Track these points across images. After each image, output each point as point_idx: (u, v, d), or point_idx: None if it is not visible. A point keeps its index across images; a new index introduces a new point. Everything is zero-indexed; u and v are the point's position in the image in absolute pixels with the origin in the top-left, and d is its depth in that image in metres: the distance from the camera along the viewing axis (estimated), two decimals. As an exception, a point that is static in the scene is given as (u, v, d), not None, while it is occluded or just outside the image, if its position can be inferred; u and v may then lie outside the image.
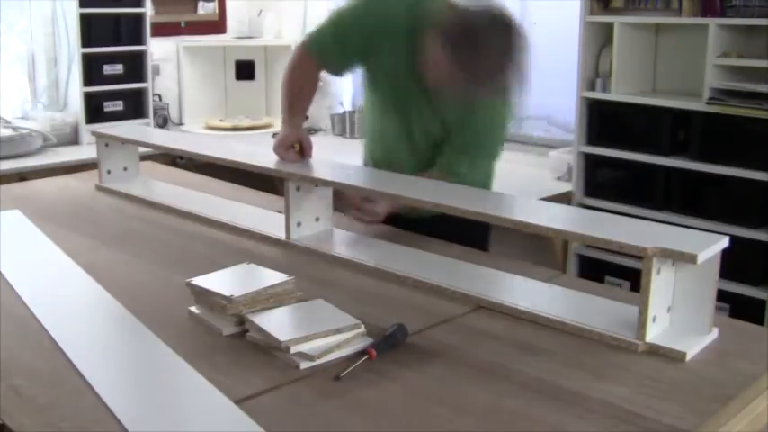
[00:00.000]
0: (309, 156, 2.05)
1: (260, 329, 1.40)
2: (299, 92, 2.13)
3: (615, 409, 1.21)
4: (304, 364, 1.33)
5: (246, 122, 4.60)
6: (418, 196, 1.73)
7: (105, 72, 3.99)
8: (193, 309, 1.55)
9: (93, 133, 2.57)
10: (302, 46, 2.13)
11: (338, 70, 2.21)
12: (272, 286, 1.51)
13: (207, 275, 1.58)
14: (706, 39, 3.00)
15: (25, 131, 3.69)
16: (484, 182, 2.11)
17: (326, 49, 2.07)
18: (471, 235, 2.00)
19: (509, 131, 2.10)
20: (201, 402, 1.24)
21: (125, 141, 2.52)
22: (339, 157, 2.03)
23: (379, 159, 2.19)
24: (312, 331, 1.38)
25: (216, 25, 4.84)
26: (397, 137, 2.12)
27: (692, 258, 1.35)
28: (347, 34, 2.05)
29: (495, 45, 1.77)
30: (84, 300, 1.66)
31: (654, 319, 1.41)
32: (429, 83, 1.92)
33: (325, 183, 1.91)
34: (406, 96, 2.06)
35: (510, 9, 1.86)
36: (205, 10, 4.79)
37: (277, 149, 2.04)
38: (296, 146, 2.04)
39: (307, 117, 2.22)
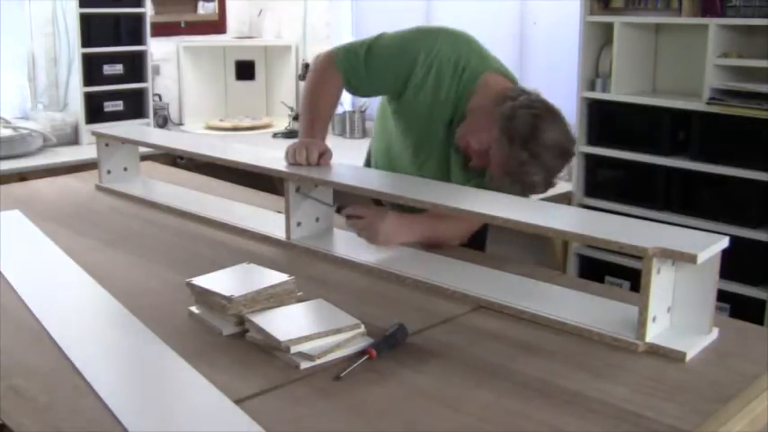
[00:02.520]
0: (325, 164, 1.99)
1: (260, 329, 1.40)
2: (319, 107, 2.06)
3: (615, 409, 1.21)
4: (304, 364, 1.33)
5: (246, 122, 4.60)
6: (416, 196, 1.73)
7: (105, 72, 3.99)
8: (193, 309, 1.55)
9: (94, 133, 2.56)
10: (330, 58, 2.04)
11: (359, 93, 2.15)
12: (272, 286, 1.51)
13: (207, 275, 1.58)
14: (706, 39, 3.00)
15: (25, 131, 3.69)
16: None
17: (355, 71, 2.01)
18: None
19: None
20: (201, 402, 1.24)
21: (125, 141, 2.52)
22: (339, 158, 2.03)
23: (380, 165, 2.19)
24: (312, 331, 1.38)
25: (216, 25, 4.84)
26: (407, 167, 2.10)
27: (692, 258, 1.35)
28: (380, 63, 1.99)
29: (553, 148, 1.76)
30: (84, 300, 1.66)
31: (654, 319, 1.41)
32: (461, 147, 1.90)
33: (325, 183, 1.91)
34: (431, 138, 2.01)
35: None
36: (205, 10, 4.80)
37: (293, 157, 1.96)
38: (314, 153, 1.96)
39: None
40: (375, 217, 1.87)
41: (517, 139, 1.74)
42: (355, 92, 2.12)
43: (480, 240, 2.14)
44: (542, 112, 1.78)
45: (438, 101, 1.96)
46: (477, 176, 1.92)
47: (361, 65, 2.00)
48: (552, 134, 1.76)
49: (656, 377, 1.31)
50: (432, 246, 1.91)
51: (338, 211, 2.01)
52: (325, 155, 1.98)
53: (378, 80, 2.02)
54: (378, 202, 2.00)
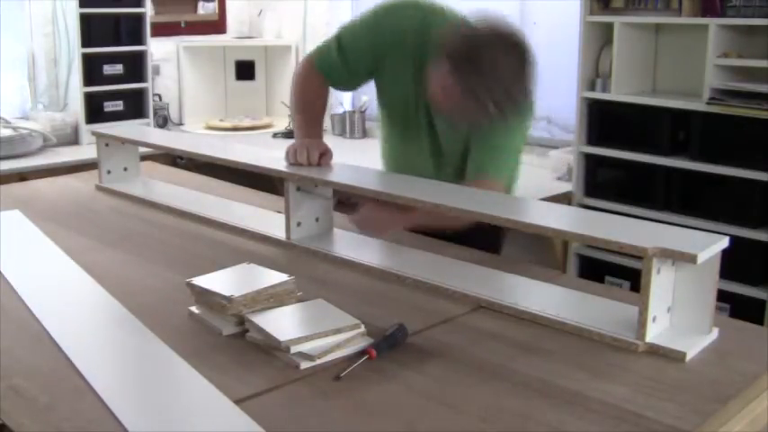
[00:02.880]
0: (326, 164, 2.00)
1: (260, 329, 1.40)
2: (311, 109, 2.10)
3: (615, 409, 1.21)
4: (304, 364, 1.33)
5: (246, 122, 4.60)
6: (418, 197, 1.73)
7: (105, 72, 3.99)
8: (193, 309, 1.55)
9: (94, 133, 2.57)
10: (308, 62, 2.10)
11: (345, 87, 2.20)
12: (272, 286, 1.51)
13: (207, 275, 1.58)
14: (706, 39, 3.00)
15: (25, 131, 3.69)
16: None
17: (333, 67, 2.04)
18: (484, 239, 1.98)
19: (525, 142, 2.03)
20: (201, 402, 1.24)
21: (125, 141, 2.52)
22: (339, 158, 2.03)
23: (390, 167, 2.20)
24: (312, 331, 1.38)
25: (216, 25, 4.84)
26: (405, 154, 2.11)
27: (692, 258, 1.35)
28: (353, 51, 2.01)
29: (501, 68, 1.69)
30: (85, 300, 1.66)
31: (654, 319, 1.41)
32: (437, 110, 1.87)
33: (325, 183, 1.91)
34: (414, 118, 2.02)
35: (517, 28, 1.77)
36: (205, 10, 4.80)
37: (293, 157, 1.97)
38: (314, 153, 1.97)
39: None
40: (373, 209, 1.90)
41: (460, 66, 1.69)
42: (341, 87, 2.18)
43: (496, 243, 2.13)
44: (482, 33, 1.72)
45: (408, 76, 1.97)
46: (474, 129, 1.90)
47: (336, 60, 2.03)
48: (495, 51, 1.69)
49: (656, 377, 1.31)
50: (435, 228, 1.91)
51: (339, 203, 2.01)
52: (325, 155, 1.98)
53: (355, 67, 2.04)
54: (397, 207, 1.96)
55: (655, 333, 1.42)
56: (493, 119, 1.74)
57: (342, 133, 4.50)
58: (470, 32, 1.75)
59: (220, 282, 1.54)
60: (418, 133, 2.04)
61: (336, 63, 2.03)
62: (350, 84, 2.15)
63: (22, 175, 3.32)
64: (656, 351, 1.40)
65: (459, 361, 1.37)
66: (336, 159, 2.01)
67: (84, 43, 3.88)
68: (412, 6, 1.98)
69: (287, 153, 2.00)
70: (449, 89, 1.73)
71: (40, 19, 4.04)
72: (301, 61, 2.14)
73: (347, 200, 2.01)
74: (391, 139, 2.15)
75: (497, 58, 1.68)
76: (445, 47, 1.75)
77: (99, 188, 2.51)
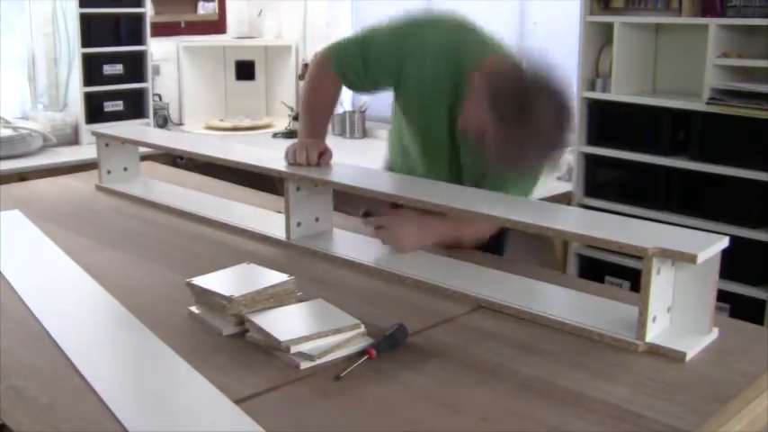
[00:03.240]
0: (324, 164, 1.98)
1: (260, 329, 1.40)
2: (322, 110, 2.08)
3: (615, 409, 1.21)
4: (304, 364, 1.33)
5: (246, 122, 4.60)
6: (418, 197, 1.73)
7: (105, 72, 3.99)
8: (193, 309, 1.55)
9: (94, 133, 2.57)
10: (325, 60, 2.02)
11: (362, 91, 2.14)
12: (272, 286, 1.51)
13: (207, 275, 1.58)
14: (706, 39, 3.00)
15: (25, 131, 3.69)
16: None
17: (351, 70, 1.98)
18: (488, 241, 1.97)
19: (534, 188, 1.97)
20: (201, 402, 1.24)
21: (125, 141, 2.52)
22: (339, 158, 2.03)
23: (396, 166, 2.17)
24: (312, 331, 1.38)
25: (216, 25, 4.84)
26: (418, 160, 2.06)
27: (692, 258, 1.35)
28: (376, 59, 1.95)
29: (548, 123, 1.59)
30: (84, 300, 1.66)
31: (654, 319, 1.41)
32: (466, 134, 1.77)
33: (325, 183, 1.91)
34: (435, 130, 1.97)
35: (553, 72, 1.67)
36: (205, 10, 4.80)
37: (293, 157, 1.97)
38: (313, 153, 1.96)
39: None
40: (397, 223, 1.87)
41: (506, 114, 1.60)
42: (355, 89, 2.11)
43: (499, 245, 2.11)
44: (530, 81, 1.63)
45: (436, 90, 1.91)
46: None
47: (357, 62, 1.96)
48: (543, 104, 1.60)
49: (656, 377, 1.31)
50: (452, 246, 1.90)
51: (365, 215, 1.96)
52: (324, 155, 1.98)
53: (375, 75, 1.98)
54: (397, 206, 1.93)
55: (655, 333, 1.42)
56: (521, 169, 1.72)
57: (342, 133, 4.50)
58: (516, 71, 1.67)
59: (220, 282, 1.54)
60: (438, 144, 1.98)
61: (357, 66, 1.96)
62: (364, 88, 2.08)
63: (22, 175, 3.33)
64: (656, 351, 1.40)
65: (459, 361, 1.37)
66: (336, 159, 2.01)
67: (84, 43, 3.88)
68: (446, 24, 1.94)
69: (286, 153, 2.00)
70: (484, 123, 1.64)
71: (40, 19, 4.04)
72: (317, 58, 2.05)
73: (376, 210, 1.96)
74: (407, 139, 2.09)
75: (544, 110, 1.59)
76: (488, 82, 1.66)
77: (99, 188, 2.51)
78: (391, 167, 2.22)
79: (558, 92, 1.63)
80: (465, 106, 1.76)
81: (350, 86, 2.04)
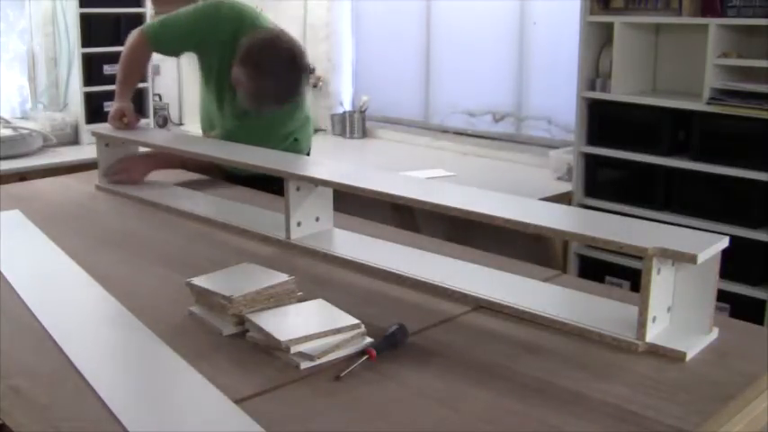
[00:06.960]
0: (133, 126, 2.53)
1: (260, 329, 1.40)
2: (132, 70, 2.63)
3: (615, 409, 1.21)
4: (304, 364, 1.33)
5: (246, 122, 4.59)
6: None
7: (105, 72, 3.98)
8: (193, 309, 1.55)
9: (94, 133, 2.57)
10: (141, 33, 2.59)
11: (169, 55, 3.02)
12: (272, 286, 1.51)
13: (207, 275, 1.58)
14: (706, 39, 3.00)
15: (25, 131, 3.70)
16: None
17: (162, 40, 2.57)
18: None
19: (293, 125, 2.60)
20: (201, 402, 1.24)
21: (125, 141, 2.52)
22: (339, 157, 2.03)
23: (205, 124, 2.75)
24: (312, 331, 1.38)
25: (216, 25, 4.83)
26: (214, 111, 2.65)
27: (692, 258, 1.35)
28: (182, 35, 2.55)
29: (276, 66, 2.30)
30: (84, 300, 1.66)
31: (654, 319, 1.41)
32: (233, 82, 2.42)
33: (325, 183, 1.91)
34: (221, 87, 2.56)
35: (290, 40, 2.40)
36: (205, 10, 4.79)
37: (110, 121, 2.52)
38: (123, 118, 2.50)
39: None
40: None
41: (243, 58, 2.31)
42: (165, 53, 2.83)
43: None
44: (264, 35, 2.35)
45: (224, 56, 2.48)
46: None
47: (166, 35, 2.57)
48: (272, 49, 2.30)
49: (656, 377, 1.31)
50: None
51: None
52: (126, 114, 2.50)
53: (180, 46, 2.65)
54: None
55: (655, 333, 1.42)
56: (268, 104, 2.40)
57: (342, 133, 4.49)
58: (258, 37, 2.35)
59: (220, 282, 1.54)
60: (224, 97, 2.59)
61: (166, 38, 2.58)
62: (172, 54, 2.95)
63: (22, 175, 3.33)
64: (656, 351, 1.40)
65: (459, 361, 1.37)
66: (336, 159, 2.01)
67: (84, 43, 3.88)
68: (227, 9, 2.53)
69: (110, 118, 2.52)
70: (237, 74, 2.35)
71: (40, 19, 4.05)
72: (133, 34, 2.61)
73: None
74: (208, 96, 2.69)
75: (273, 60, 2.30)
76: (241, 45, 2.34)
77: (99, 188, 2.51)
78: (201, 122, 2.78)
79: (287, 48, 2.34)
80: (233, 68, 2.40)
81: (160, 52, 2.72)
